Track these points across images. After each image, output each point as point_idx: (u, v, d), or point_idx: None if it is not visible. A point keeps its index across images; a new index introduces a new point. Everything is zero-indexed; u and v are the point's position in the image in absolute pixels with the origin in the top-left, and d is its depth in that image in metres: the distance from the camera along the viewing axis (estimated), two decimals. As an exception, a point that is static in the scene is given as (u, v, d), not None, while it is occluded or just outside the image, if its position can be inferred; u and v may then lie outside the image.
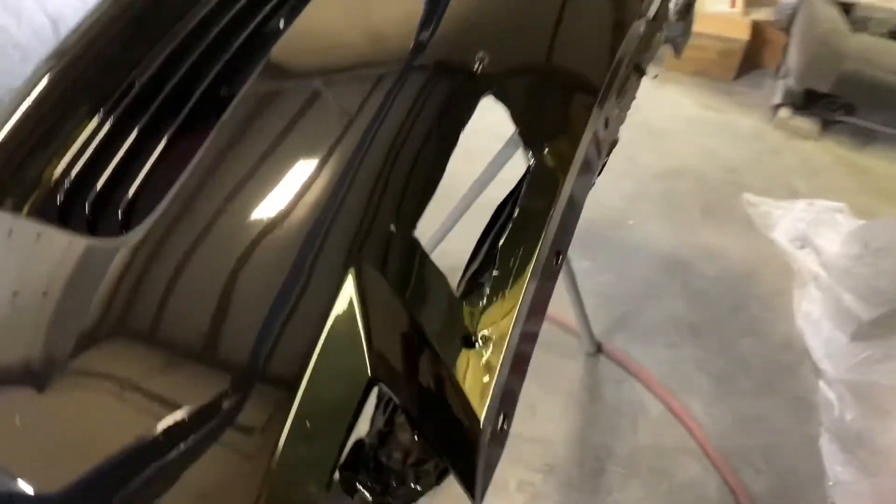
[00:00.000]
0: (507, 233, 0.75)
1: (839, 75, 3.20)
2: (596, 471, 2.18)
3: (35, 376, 0.70)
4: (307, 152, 0.73)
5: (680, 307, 2.65)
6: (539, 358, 2.21)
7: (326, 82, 0.78)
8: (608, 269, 2.77)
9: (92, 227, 0.79)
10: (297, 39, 0.83)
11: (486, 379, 0.69)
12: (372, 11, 0.89)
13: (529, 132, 0.79)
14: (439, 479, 0.71)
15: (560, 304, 2.50)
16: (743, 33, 3.58)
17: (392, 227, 0.67)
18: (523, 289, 0.73)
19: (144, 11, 1.01)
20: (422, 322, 0.67)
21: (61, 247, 0.75)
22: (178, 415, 0.64)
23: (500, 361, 0.70)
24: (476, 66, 0.78)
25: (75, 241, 0.75)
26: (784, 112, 3.43)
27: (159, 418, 0.63)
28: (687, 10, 1.71)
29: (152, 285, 0.70)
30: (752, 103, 3.58)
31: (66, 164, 0.84)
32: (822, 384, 2.34)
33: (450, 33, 0.82)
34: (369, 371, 0.63)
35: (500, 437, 0.73)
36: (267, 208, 0.70)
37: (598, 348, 2.49)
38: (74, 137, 0.88)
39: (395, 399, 0.66)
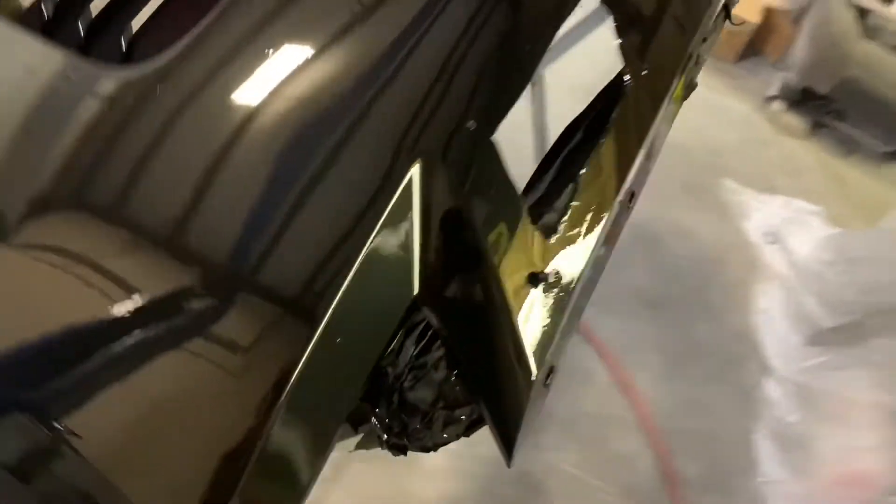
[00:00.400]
0: (590, 161, 0.63)
1: (841, 80, 3.15)
2: (535, 427, 2.12)
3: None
4: (377, 10, 0.59)
5: (643, 280, 2.60)
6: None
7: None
8: (580, 228, 2.69)
9: (84, 48, 0.64)
10: None
11: (546, 324, 0.58)
12: None
13: (631, 50, 0.67)
14: (470, 429, 0.61)
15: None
16: (754, 16, 3.48)
17: (472, 125, 0.55)
18: (601, 226, 0.62)
19: None
20: (488, 245, 0.55)
21: (40, 63, 0.60)
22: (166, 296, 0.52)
23: (568, 307, 0.59)
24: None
25: (61, 58, 0.60)
26: (777, 105, 3.37)
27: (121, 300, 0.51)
28: None
29: (150, 138, 0.56)
30: (748, 89, 3.51)
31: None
32: (768, 382, 2.33)
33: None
34: (415, 288, 0.52)
35: (543, 393, 0.63)
36: (319, 66, 0.56)
37: (558, 306, 2.42)
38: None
39: (439, 328, 0.55)
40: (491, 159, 0.57)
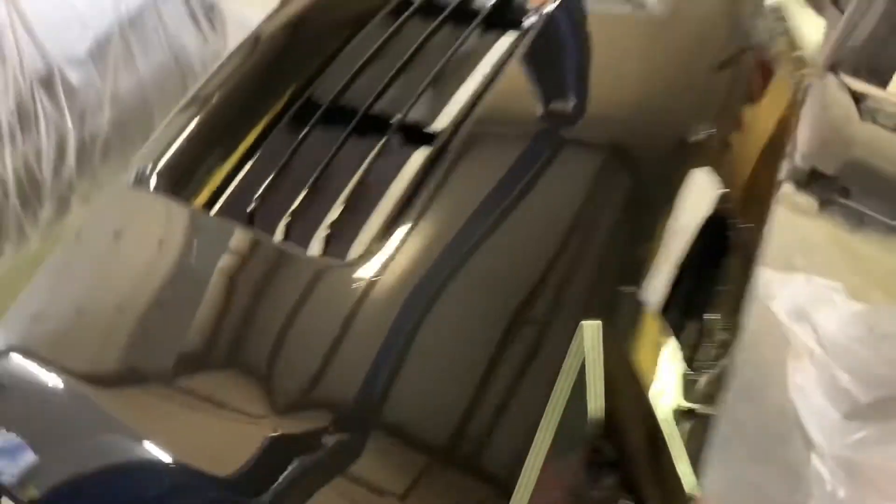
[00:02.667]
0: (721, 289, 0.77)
1: (846, 161, 3.33)
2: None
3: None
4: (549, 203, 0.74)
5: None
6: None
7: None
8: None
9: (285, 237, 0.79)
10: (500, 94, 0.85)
11: (695, 455, 0.71)
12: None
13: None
14: None
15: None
16: (757, 106, 3.70)
17: (634, 290, 0.69)
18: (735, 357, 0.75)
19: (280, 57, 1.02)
20: (647, 389, 0.68)
21: (262, 250, 0.75)
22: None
23: (708, 433, 0.72)
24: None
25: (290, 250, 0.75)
26: (787, 187, 3.55)
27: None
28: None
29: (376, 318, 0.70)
30: (757, 174, 3.69)
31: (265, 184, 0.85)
32: (814, 457, 2.41)
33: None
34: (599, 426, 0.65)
35: None
36: (505, 246, 0.71)
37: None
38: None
39: (611, 456, 0.67)
40: (646, 317, 0.71)
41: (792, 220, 3.49)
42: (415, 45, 0.94)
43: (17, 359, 0.72)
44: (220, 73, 0.95)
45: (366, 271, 0.72)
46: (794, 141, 3.60)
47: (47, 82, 1.93)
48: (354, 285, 0.70)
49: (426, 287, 0.70)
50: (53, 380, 0.70)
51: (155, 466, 0.63)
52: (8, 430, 0.70)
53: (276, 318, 0.70)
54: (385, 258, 0.73)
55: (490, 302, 0.69)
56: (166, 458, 0.64)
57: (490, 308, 0.69)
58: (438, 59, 0.93)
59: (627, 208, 0.76)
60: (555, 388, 0.64)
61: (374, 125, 0.87)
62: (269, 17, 1.00)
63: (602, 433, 0.64)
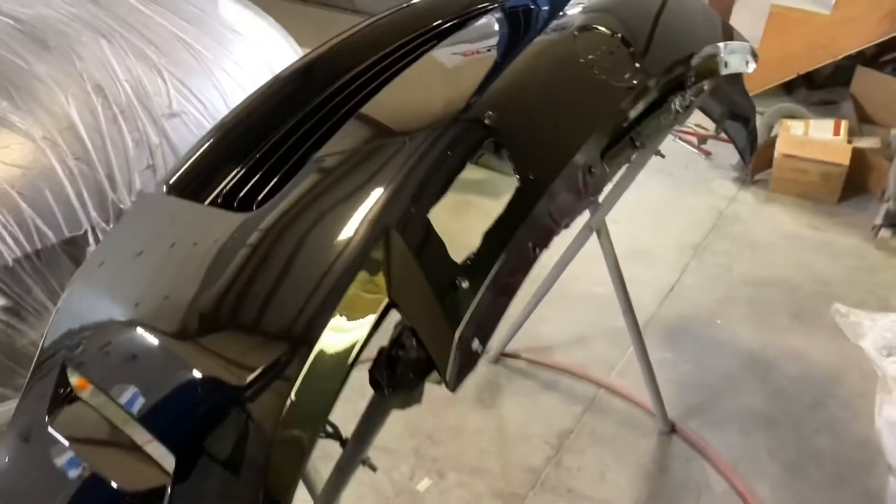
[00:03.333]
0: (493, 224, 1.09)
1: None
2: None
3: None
4: (370, 166, 1.11)
5: (758, 400, 2.77)
6: (613, 431, 2.45)
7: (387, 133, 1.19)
8: (689, 361, 2.94)
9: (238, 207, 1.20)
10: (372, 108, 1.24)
11: (462, 310, 1.02)
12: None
13: (519, 164, 1.13)
14: (427, 369, 1.03)
15: (641, 385, 2.71)
16: (843, 159, 3.75)
17: (413, 210, 1.03)
18: (497, 260, 1.06)
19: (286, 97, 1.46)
20: (426, 268, 1.01)
21: (215, 221, 1.16)
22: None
23: (471, 305, 1.02)
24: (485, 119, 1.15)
25: (224, 214, 1.16)
26: (885, 232, 3.53)
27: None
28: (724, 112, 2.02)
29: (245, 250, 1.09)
30: (855, 224, 3.70)
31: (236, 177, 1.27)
32: (891, 479, 2.38)
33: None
34: (387, 295, 0.98)
35: (472, 355, 1.04)
36: (341, 200, 1.08)
37: (672, 428, 2.64)
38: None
39: (403, 315, 1.00)
40: (426, 227, 1.05)
41: (889, 263, 3.45)
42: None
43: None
44: (236, 108, 1.42)
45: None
46: (887, 185, 3.61)
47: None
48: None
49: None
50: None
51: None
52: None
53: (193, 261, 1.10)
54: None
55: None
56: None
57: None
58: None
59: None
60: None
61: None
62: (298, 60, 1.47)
63: (393, 300, 0.97)
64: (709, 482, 2.47)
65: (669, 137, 4.15)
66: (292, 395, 0.96)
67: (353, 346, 1.00)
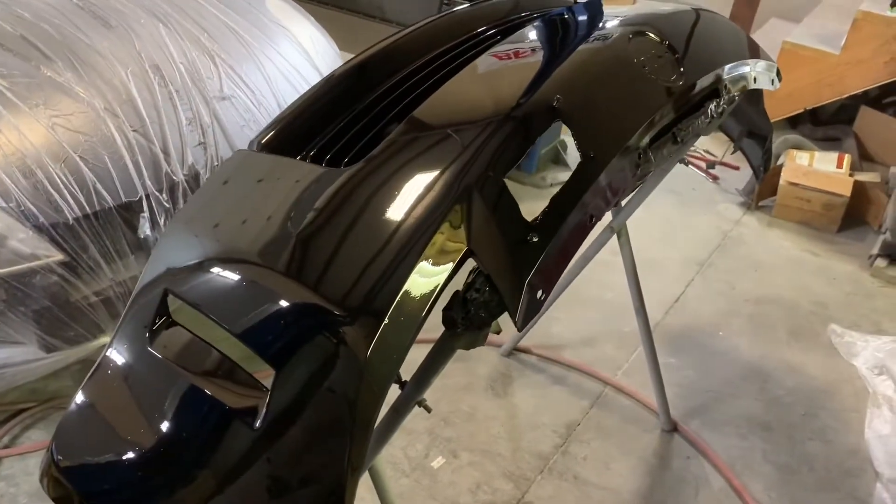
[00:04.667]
0: (560, 191, 1.25)
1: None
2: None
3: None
4: (453, 135, 1.27)
5: (754, 406, 2.92)
6: (618, 426, 2.60)
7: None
8: (692, 367, 3.10)
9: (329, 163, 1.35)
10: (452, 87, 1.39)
11: (531, 261, 1.17)
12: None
13: (581, 142, 1.29)
14: (500, 312, 1.18)
15: (645, 386, 2.86)
16: (845, 190, 3.94)
17: (491, 173, 1.18)
18: (562, 222, 1.22)
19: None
20: (500, 225, 1.16)
21: (311, 173, 1.31)
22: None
23: (540, 258, 1.18)
24: (554, 102, 1.31)
25: (317, 168, 1.31)
26: (880, 262, 3.71)
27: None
28: (745, 121, 2.18)
29: (353, 196, 1.23)
30: (852, 253, 3.88)
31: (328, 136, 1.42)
32: (878, 485, 2.53)
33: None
34: (466, 245, 1.13)
35: (536, 303, 1.19)
36: (429, 162, 1.23)
37: (674, 427, 2.79)
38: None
39: (479, 263, 1.15)
40: (503, 189, 1.20)
41: (883, 291, 3.63)
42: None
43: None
44: (324, 78, 1.56)
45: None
46: (885, 218, 3.79)
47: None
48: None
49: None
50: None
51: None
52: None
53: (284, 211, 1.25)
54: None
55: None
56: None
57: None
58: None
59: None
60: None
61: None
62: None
63: (472, 249, 1.13)
64: (707, 478, 2.61)
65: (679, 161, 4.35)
66: (383, 327, 1.10)
67: (434, 288, 1.14)
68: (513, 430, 2.76)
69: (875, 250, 3.77)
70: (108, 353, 1.28)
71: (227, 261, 1.27)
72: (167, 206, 2.45)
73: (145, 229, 2.40)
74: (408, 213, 1.17)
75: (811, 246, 3.95)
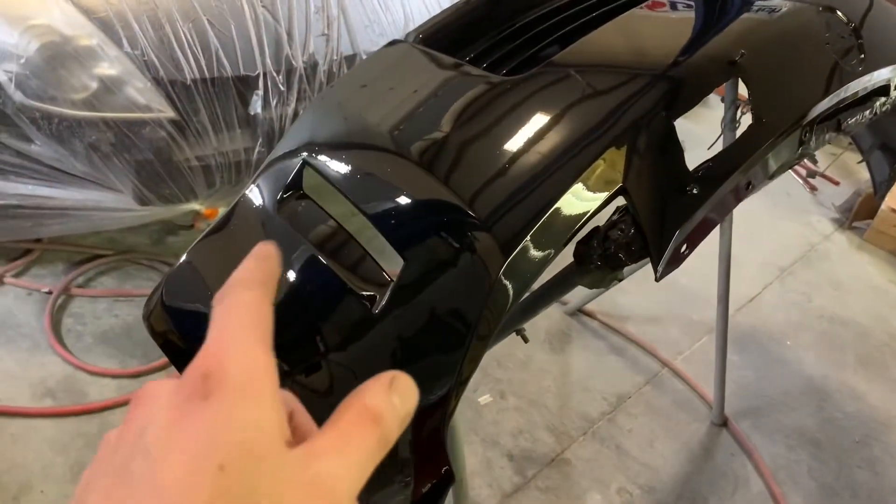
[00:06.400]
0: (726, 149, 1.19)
1: None
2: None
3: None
4: (627, 67, 1.21)
5: (809, 422, 2.86)
6: (669, 409, 2.56)
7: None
8: (753, 368, 3.03)
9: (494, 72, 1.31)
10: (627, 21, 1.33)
11: (687, 213, 1.13)
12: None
13: (757, 104, 1.23)
14: (640, 257, 1.14)
15: (702, 377, 2.82)
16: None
17: (663, 114, 1.13)
18: (724, 180, 1.16)
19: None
20: (661, 169, 1.11)
21: (472, 74, 1.27)
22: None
23: (697, 211, 1.12)
24: (737, 58, 1.24)
25: (478, 71, 1.27)
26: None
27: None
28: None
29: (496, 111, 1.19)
30: (937, 292, 3.74)
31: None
32: (922, 527, 2.47)
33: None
34: (622, 181, 1.08)
35: (679, 256, 1.14)
36: (600, 88, 1.18)
37: (725, 422, 2.75)
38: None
39: (630, 203, 1.10)
40: (671, 131, 1.15)
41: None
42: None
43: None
44: None
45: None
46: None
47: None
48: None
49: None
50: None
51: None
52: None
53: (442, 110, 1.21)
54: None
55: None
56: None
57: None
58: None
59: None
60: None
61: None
62: None
63: (626, 187, 1.07)
64: (748, 479, 2.57)
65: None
66: (525, 241, 1.07)
67: (583, 213, 1.10)
68: (563, 387, 2.75)
69: None
70: (232, 212, 1.28)
71: (372, 147, 1.25)
72: (282, 88, 2.44)
73: (257, 107, 2.40)
74: (573, 132, 1.13)
75: (889, 271, 3.82)
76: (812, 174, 4.32)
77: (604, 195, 1.11)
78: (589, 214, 1.11)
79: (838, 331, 3.37)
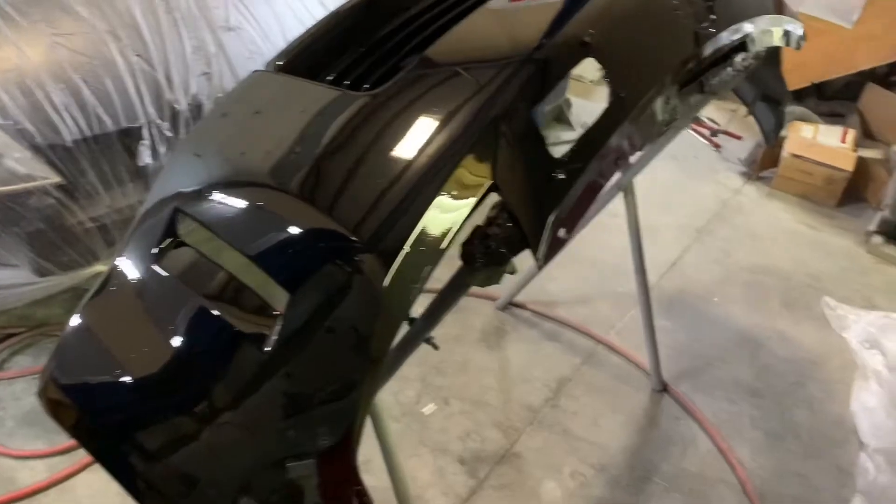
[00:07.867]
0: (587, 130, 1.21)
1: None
2: (642, 479, 2.47)
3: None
4: (480, 66, 1.23)
5: (745, 373, 2.94)
6: (609, 384, 2.61)
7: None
8: (685, 331, 3.10)
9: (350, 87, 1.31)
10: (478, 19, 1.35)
11: (556, 198, 1.14)
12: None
13: (613, 81, 1.25)
14: (521, 248, 1.15)
15: (636, 346, 2.87)
16: (848, 165, 3.93)
17: (520, 106, 1.15)
18: (589, 161, 1.18)
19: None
20: (526, 160, 1.13)
21: (331, 95, 1.27)
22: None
23: (566, 195, 1.15)
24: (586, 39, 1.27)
25: (336, 91, 1.26)
26: (877, 239, 3.71)
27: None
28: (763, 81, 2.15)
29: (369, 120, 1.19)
30: (850, 228, 3.88)
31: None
32: (862, 454, 2.56)
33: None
34: (491, 178, 1.10)
35: (559, 241, 1.16)
36: (454, 91, 1.19)
37: (664, 388, 2.80)
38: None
39: (503, 198, 1.12)
40: (532, 126, 1.16)
41: (879, 268, 3.64)
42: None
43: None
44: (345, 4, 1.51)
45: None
46: (884, 196, 3.78)
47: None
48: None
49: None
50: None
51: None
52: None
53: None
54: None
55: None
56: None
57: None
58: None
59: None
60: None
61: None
62: None
63: (496, 183, 1.08)
64: (695, 439, 2.63)
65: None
66: (403, 256, 1.07)
67: (457, 220, 1.11)
68: (504, 382, 2.76)
69: (872, 227, 3.77)
70: (111, 272, 1.25)
71: (240, 182, 1.23)
72: (168, 134, 2.40)
73: (145, 157, 2.35)
74: (431, 141, 1.14)
75: (809, 219, 3.95)
76: (715, 132, 4.44)
77: (472, 199, 1.12)
78: (464, 219, 1.12)
79: (761, 279, 3.47)
